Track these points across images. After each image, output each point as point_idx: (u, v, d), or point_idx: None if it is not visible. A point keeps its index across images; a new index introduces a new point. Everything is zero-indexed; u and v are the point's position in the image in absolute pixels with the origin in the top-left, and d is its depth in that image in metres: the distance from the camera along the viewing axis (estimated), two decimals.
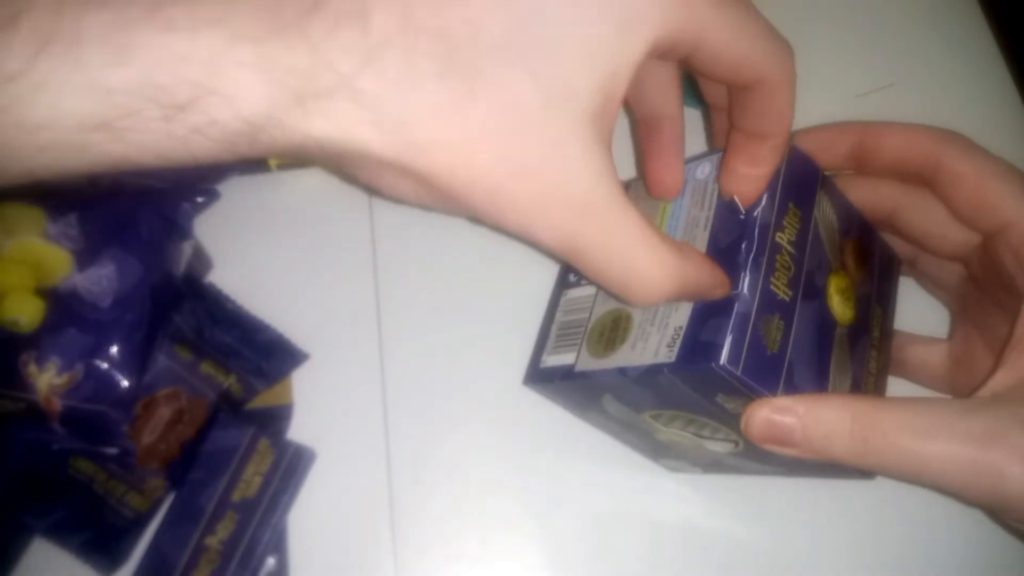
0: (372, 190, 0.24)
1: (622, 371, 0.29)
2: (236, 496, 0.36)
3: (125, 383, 0.35)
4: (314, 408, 0.40)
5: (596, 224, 0.24)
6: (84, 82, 0.19)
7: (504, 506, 0.39)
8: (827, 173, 0.32)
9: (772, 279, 0.27)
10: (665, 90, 0.30)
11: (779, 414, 0.27)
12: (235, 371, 0.39)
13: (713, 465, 0.37)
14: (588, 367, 0.31)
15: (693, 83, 0.48)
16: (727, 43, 0.24)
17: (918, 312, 0.38)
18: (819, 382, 0.28)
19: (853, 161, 0.33)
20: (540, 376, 0.34)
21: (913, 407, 0.27)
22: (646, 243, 0.25)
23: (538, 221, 0.23)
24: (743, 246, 0.27)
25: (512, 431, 0.40)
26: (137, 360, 0.36)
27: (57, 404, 0.35)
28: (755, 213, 0.28)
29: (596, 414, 0.36)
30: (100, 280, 0.35)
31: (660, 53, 0.23)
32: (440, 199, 0.23)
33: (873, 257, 0.32)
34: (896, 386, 0.35)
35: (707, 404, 0.29)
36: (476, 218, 0.24)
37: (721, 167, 0.29)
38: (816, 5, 0.51)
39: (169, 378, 0.38)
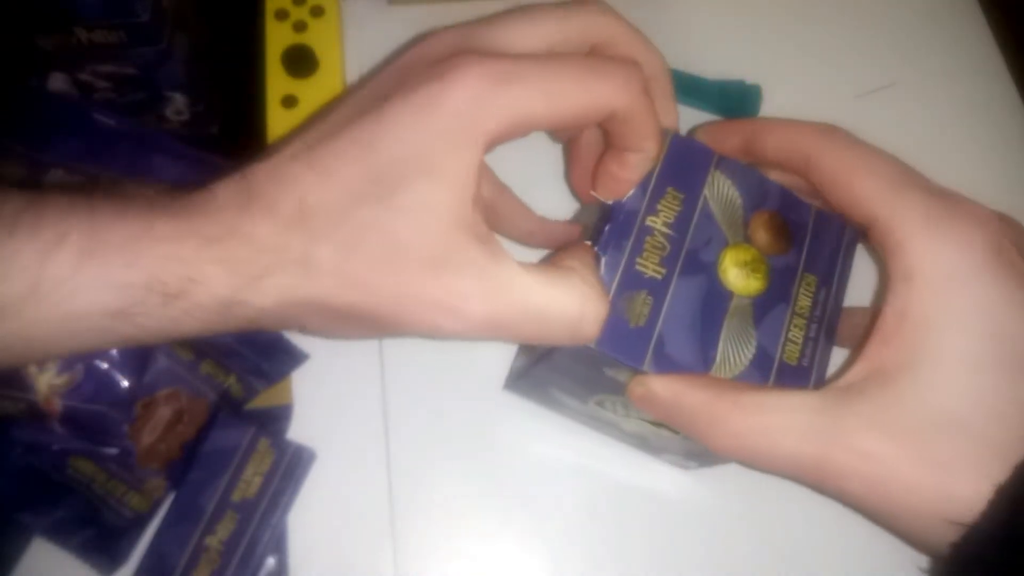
0: (321, 335, 0.30)
1: (540, 359, 0.32)
2: (236, 496, 0.37)
3: (125, 383, 0.36)
4: (314, 408, 0.40)
5: (513, 301, 0.27)
6: (109, 281, 0.25)
7: (504, 505, 0.39)
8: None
9: (639, 259, 0.29)
10: None
11: (649, 394, 0.29)
12: (235, 371, 0.39)
13: (698, 456, 0.37)
14: (530, 364, 0.34)
15: (685, 82, 0.48)
16: (554, 107, 0.27)
17: None
18: (703, 351, 0.29)
19: (745, 156, 0.34)
20: (511, 377, 0.38)
21: (764, 404, 0.28)
22: (564, 290, 0.27)
23: (444, 326, 0.27)
24: (606, 229, 0.29)
25: (513, 429, 0.40)
26: (137, 360, 0.36)
27: (57, 404, 0.35)
28: (623, 201, 0.30)
29: (570, 411, 0.38)
30: None
31: (500, 141, 0.27)
32: (357, 330, 0.29)
33: (802, 228, 0.32)
34: None
35: (605, 380, 0.30)
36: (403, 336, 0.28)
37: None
38: (816, 5, 0.51)
39: (169, 378, 0.38)
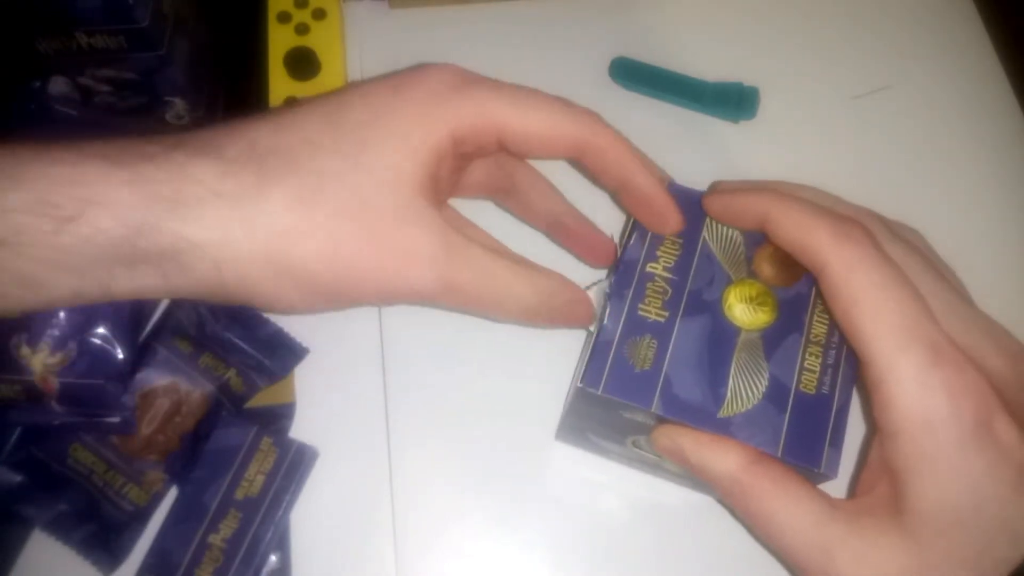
0: (264, 308, 0.28)
1: (568, 405, 0.34)
2: (239, 494, 0.36)
3: (120, 355, 0.35)
4: (316, 407, 0.40)
5: (454, 266, 0.28)
6: None
7: (505, 503, 0.39)
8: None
9: (641, 305, 0.30)
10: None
11: (675, 446, 0.29)
12: (235, 365, 0.39)
13: None
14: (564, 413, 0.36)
15: (684, 85, 0.48)
16: (526, 124, 0.29)
17: None
18: (713, 389, 0.29)
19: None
20: (561, 428, 0.38)
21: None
22: (501, 266, 0.29)
23: (410, 276, 0.28)
24: (612, 281, 0.31)
25: (514, 428, 0.40)
26: (129, 332, 0.36)
27: (54, 382, 0.34)
28: (624, 252, 0.31)
29: (617, 456, 0.38)
30: None
31: (468, 138, 0.29)
32: (312, 290, 0.27)
33: None
34: None
35: (626, 422, 0.31)
36: (359, 301, 0.28)
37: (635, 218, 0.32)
38: (812, 7, 0.52)
39: (168, 370, 0.38)
